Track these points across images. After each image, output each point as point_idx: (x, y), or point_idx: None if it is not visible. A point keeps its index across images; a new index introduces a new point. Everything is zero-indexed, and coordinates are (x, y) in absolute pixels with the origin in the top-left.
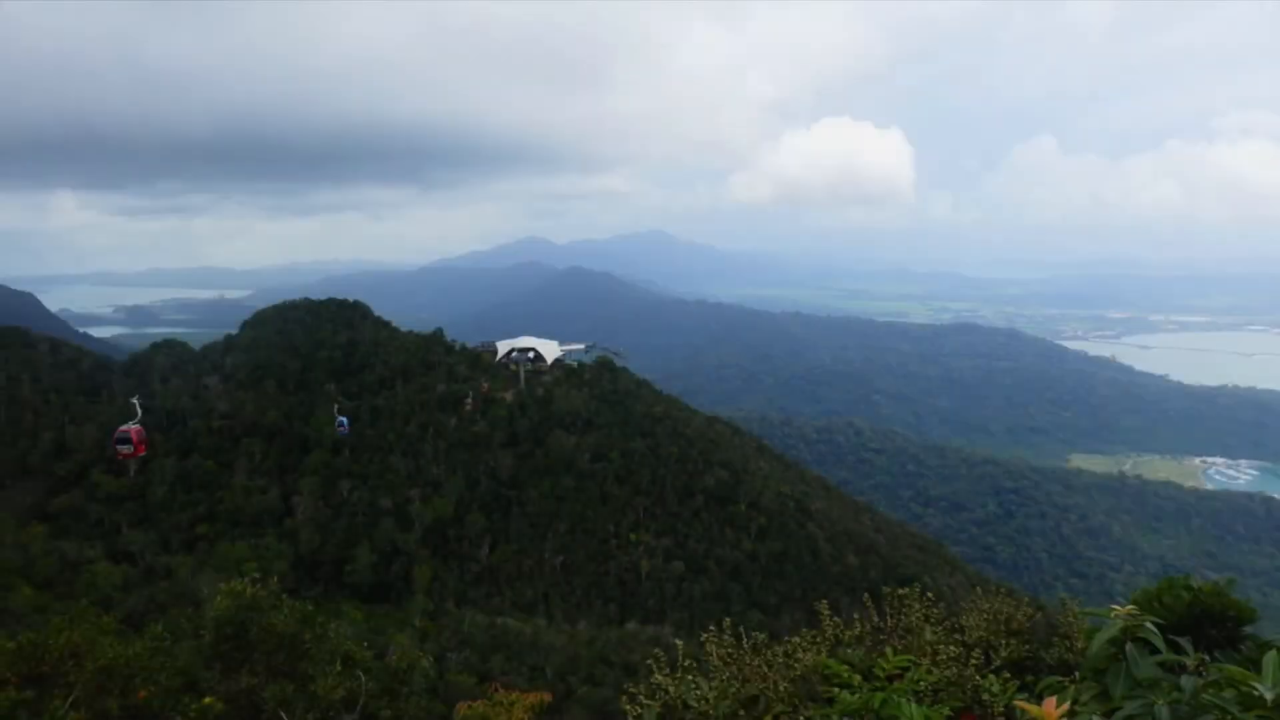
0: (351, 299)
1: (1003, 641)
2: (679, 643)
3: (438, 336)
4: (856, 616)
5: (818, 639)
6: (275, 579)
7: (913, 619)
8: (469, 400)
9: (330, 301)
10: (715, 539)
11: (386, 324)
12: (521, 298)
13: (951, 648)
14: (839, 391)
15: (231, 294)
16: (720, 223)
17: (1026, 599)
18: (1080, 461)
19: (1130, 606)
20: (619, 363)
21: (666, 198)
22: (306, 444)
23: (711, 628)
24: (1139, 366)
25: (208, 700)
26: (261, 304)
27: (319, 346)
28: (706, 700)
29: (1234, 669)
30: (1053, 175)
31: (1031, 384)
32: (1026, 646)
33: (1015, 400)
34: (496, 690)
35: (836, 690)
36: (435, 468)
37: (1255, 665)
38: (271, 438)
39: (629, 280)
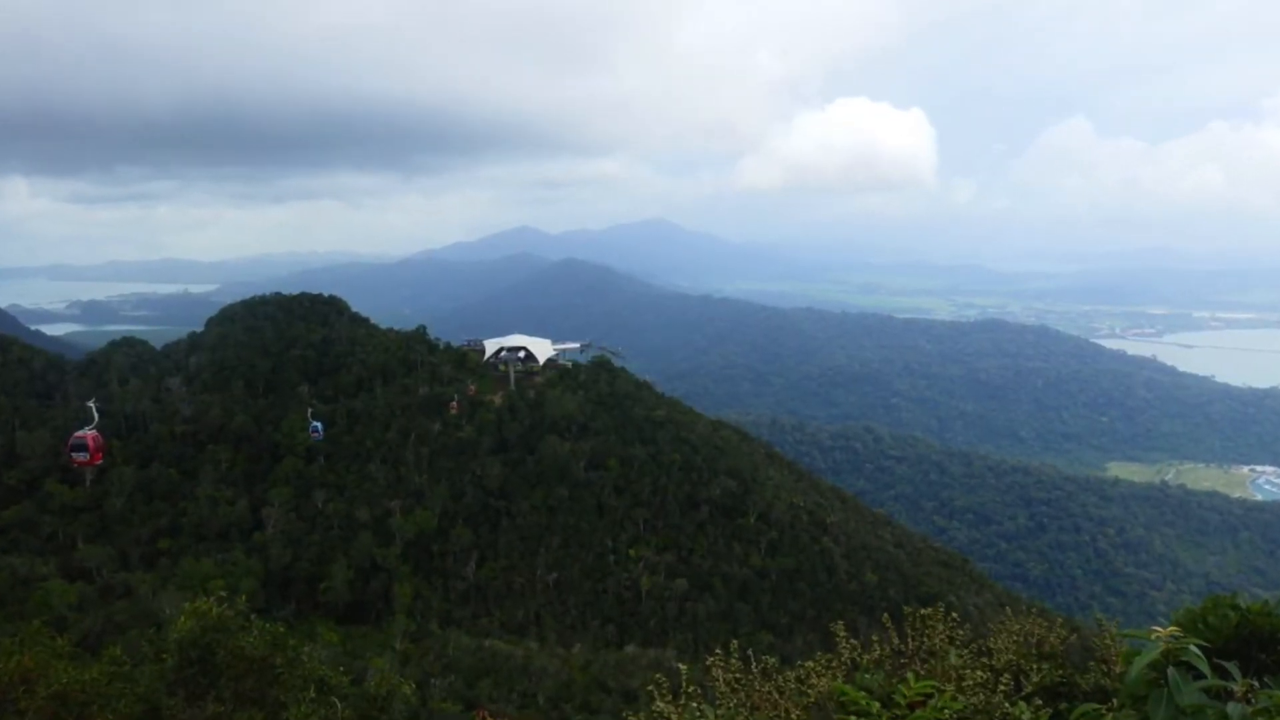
0: (327, 294)
1: (1034, 666)
2: (682, 667)
3: (420, 334)
4: (875, 638)
5: (833, 663)
6: (243, 598)
7: (936, 641)
8: (454, 404)
9: (304, 296)
10: (722, 554)
11: (365, 321)
12: (511, 292)
13: (978, 672)
14: (855, 394)
15: (196, 288)
16: (727, 211)
17: (1060, 620)
18: (1118, 470)
19: (1172, 628)
20: (617, 363)
21: (669, 184)
22: (277, 451)
23: (718, 651)
24: (1181, 367)
25: None
26: (229, 299)
27: (291, 345)
28: None
29: None
30: (1086, 160)
31: (1064, 386)
32: (1060, 671)
33: (1047, 404)
34: (484, 719)
35: (853, 719)
36: (417, 477)
37: None
38: (239, 444)
39: (628, 273)
